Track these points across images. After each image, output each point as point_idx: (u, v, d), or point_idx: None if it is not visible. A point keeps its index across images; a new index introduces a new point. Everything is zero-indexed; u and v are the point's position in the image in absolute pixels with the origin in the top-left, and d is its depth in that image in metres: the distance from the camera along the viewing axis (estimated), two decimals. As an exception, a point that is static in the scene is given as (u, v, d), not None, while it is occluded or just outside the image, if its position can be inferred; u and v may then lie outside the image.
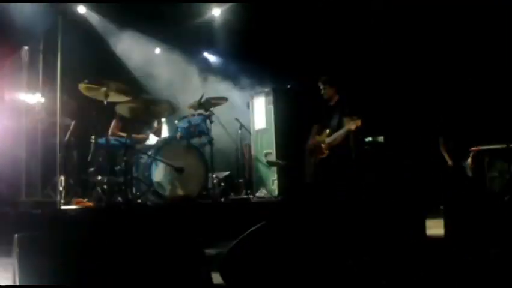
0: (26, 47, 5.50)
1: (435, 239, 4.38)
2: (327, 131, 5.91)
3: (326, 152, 5.85)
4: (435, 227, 4.52)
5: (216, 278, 2.67)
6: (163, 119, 6.70)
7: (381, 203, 4.51)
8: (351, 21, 7.94)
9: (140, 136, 6.16)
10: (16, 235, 1.89)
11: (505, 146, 6.01)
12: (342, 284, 2.84)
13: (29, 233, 1.93)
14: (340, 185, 5.81)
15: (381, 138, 9.04)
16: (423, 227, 4.40)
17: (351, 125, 5.62)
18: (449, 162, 7.22)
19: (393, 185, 8.18)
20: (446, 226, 4.27)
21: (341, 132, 5.75)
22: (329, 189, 5.85)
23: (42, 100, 5.54)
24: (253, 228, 2.85)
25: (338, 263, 3.01)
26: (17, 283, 1.80)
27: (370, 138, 8.99)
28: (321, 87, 6.07)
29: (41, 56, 5.24)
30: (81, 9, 7.79)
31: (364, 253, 3.36)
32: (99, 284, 1.94)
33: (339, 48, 8.24)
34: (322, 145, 5.89)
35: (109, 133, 6.00)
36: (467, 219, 4.21)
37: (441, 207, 4.39)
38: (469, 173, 6.89)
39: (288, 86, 7.41)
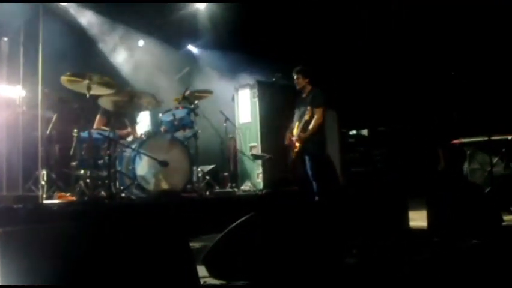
0: (5, 39, 5.37)
1: (418, 230, 4.44)
2: (297, 124, 5.87)
3: (298, 146, 5.78)
4: (418, 219, 4.58)
5: (201, 271, 2.67)
6: (148, 112, 6.65)
7: (362, 195, 4.56)
8: (341, 14, 7.96)
9: (124, 131, 6.10)
10: (-3, 230, 1.85)
11: (486, 138, 6.08)
12: (330, 275, 2.86)
13: (11, 228, 1.89)
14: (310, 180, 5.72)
15: (365, 132, 9.14)
16: (406, 219, 4.46)
17: (306, 115, 5.60)
18: (442, 164, 7.25)
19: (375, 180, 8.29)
20: (428, 218, 4.33)
21: (302, 123, 5.70)
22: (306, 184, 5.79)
23: (23, 93, 5.43)
24: (239, 221, 2.85)
25: (325, 256, 3.02)
26: (-1, 278, 1.77)
27: (354, 132, 9.07)
28: (295, 77, 5.98)
29: (21, 48, 5.12)
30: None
31: (352, 246, 3.39)
32: (82, 278, 1.92)
33: (327, 41, 8.26)
34: (294, 139, 5.84)
35: (94, 128, 5.93)
36: (449, 211, 4.27)
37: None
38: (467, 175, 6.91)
39: (273, 79, 7.38)
